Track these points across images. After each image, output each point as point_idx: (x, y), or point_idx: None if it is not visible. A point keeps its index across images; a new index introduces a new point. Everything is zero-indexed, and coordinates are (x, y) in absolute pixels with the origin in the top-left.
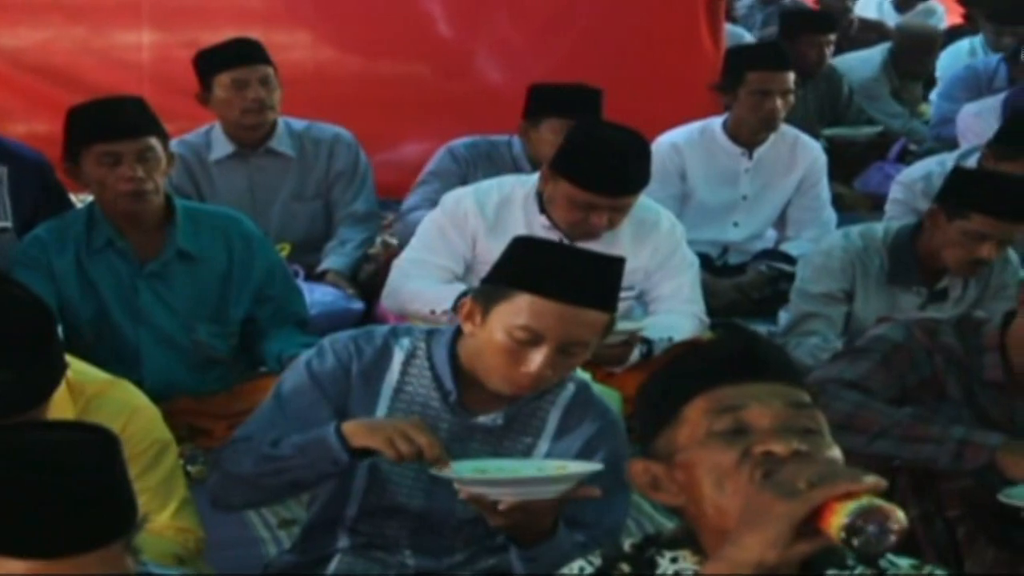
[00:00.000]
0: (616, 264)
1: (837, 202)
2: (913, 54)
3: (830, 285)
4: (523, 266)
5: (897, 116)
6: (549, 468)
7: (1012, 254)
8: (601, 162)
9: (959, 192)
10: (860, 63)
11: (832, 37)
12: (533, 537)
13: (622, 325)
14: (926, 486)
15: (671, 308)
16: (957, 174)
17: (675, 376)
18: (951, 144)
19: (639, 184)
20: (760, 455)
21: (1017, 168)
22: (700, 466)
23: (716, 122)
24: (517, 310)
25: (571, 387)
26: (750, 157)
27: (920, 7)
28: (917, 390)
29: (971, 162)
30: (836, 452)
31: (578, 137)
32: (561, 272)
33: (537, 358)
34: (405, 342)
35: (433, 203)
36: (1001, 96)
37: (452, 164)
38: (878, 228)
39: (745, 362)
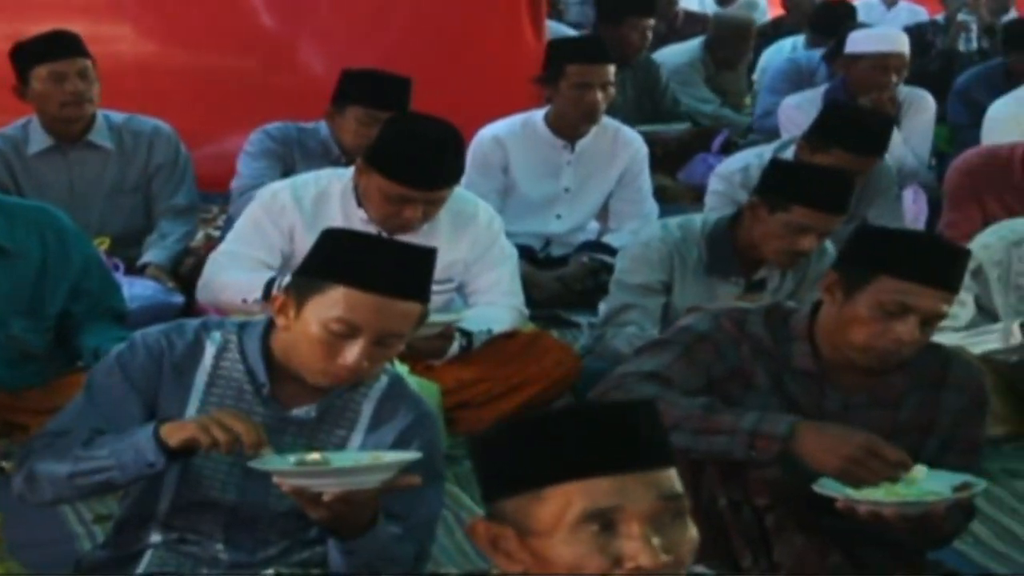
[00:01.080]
0: (428, 255)
1: (661, 194)
2: (727, 43)
3: (648, 276)
4: (335, 258)
5: (708, 102)
6: (364, 459)
7: (829, 245)
8: (413, 155)
9: (780, 184)
10: (678, 52)
11: (652, 21)
12: (353, 529)
13: (441, 318)
14: (734, 474)
15: (491, 300)
16: (778, 166)
17: (544, 447)
18: (774, 136)
19: (453, 177)
20: (629, 570)
21: (829, 159)
22: (559, 561)
23: (538, 115)
24: (332, 303)
25: (384, 379)
26: (572, 150)
27: (903, 5)
28: (724, 380)
29: (788, 154)
30: (693, 532)
31: (391, 130)
32: (374, 264)
33: (354, 350)
34: (217, 335)
35: (267, 179)
36: (822, 88)
37: (272, 143)
38: (696, 219)
39: (624, 451)
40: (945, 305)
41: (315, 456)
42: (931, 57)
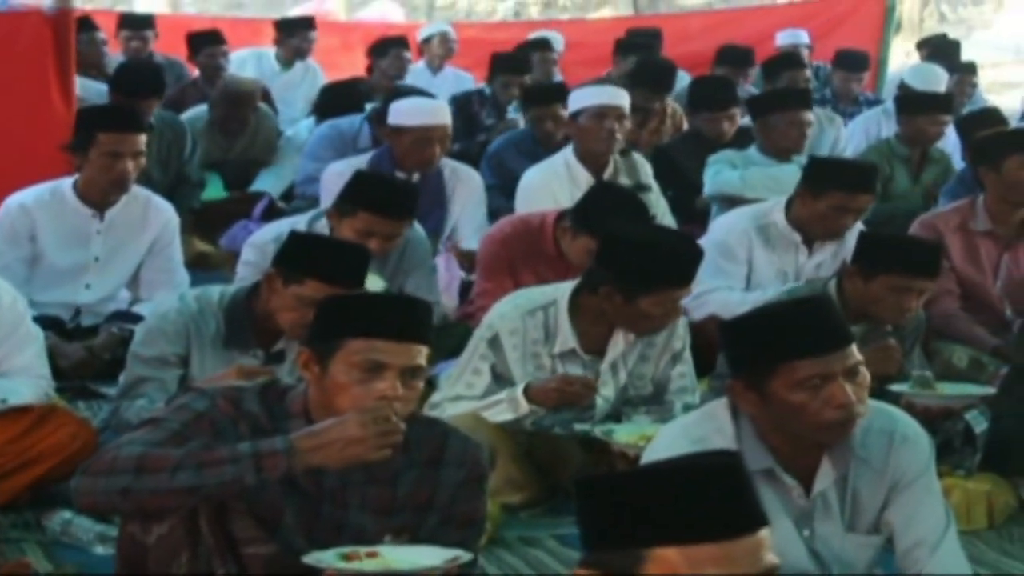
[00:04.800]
0: None
1: (202, 261)
2: (226, 107)
3: (163, 349)
4: None
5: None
6: None
7: None
8: None
9: (295, 257)
10: (192, 114)
11: (160, 98)
12: None
13: None
14: (230, 547)
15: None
16: (293, 239)
17: None
18: (316, 203)
19: None
20: None
21: (358, 224)
22: None
23: (67, 183)
24: None
25: None
26: (101, 218)
27: (299, 66)
28: None
29: (322, 224)
30: None
31: None
32: None
33: None
34: None
35: None
36: (367, 156)
37: None
38: (214, 291)
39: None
40: (418, 357)
41: None
42: (479, 128)
